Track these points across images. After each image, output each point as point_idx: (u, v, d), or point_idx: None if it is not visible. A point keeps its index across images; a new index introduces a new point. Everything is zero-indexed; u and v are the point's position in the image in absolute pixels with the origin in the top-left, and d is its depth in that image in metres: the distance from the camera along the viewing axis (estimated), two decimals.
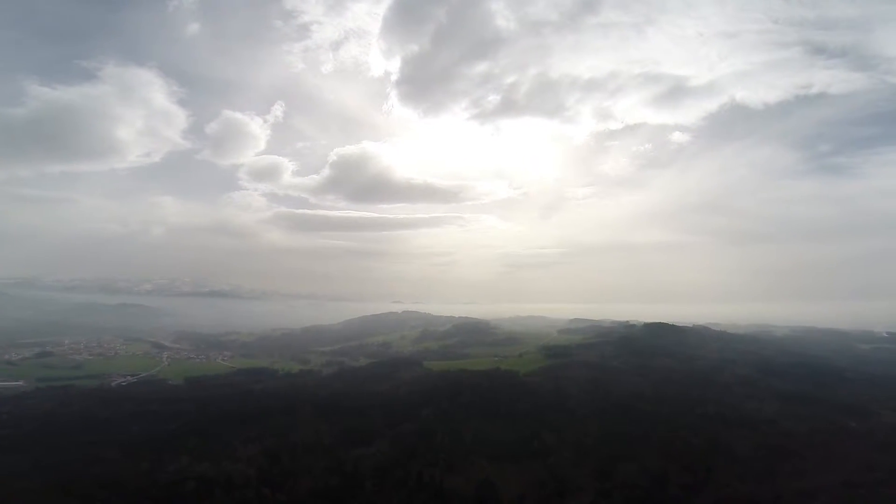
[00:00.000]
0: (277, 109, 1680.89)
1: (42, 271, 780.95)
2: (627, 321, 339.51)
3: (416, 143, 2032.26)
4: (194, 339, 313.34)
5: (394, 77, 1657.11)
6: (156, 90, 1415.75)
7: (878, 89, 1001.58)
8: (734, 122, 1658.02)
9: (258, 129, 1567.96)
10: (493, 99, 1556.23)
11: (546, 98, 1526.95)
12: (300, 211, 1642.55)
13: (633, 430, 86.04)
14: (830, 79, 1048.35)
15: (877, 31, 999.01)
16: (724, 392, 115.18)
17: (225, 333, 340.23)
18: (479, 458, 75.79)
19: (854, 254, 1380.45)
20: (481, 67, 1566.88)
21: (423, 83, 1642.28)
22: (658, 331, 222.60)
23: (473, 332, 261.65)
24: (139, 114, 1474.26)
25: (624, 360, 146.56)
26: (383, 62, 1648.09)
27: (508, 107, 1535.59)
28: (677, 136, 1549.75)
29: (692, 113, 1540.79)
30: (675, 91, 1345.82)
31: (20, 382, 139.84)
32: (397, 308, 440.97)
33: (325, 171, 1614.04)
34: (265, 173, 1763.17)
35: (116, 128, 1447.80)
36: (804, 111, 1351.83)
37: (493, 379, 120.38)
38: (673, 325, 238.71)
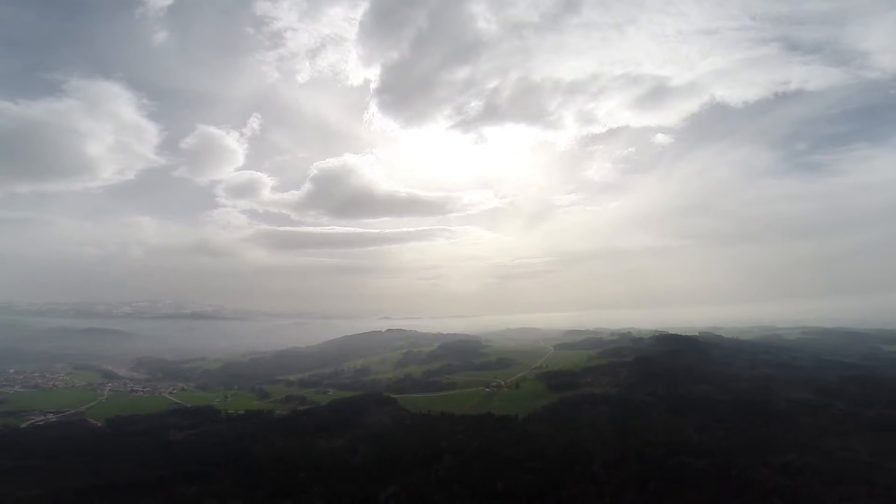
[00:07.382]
0: (254, 122, 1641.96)
1: (17, 295, 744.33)
2: (629, 332, 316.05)
3: (399, 154, 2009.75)
4: (154, 366, 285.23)
5: (373, 85, 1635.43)
6: (124, 103, 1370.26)
7: (852, 85, 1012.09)
8: (714, 122, 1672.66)
9: (235, 144, 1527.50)
10: (476, 105, 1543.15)
11: (528, 103, 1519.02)
12: (282, 228, 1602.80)
13: (696, 501, 57.43)
14: (807, 74, 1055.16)
15: (849, 25, 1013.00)
16: (791, 427, 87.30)
17: (190, 360, 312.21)
18: None
19: (837, 250, 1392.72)
20: (463, 73, 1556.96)
21: (404, 91, 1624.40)
22: (671, 345, 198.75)
23: (461, 353, 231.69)
24: (108, 129, 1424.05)
25: (648, 388, 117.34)
26: (362, 70, 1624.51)
27: (491, 113, 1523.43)
28: (660, 139, 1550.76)
29: (673, 114, 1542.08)
30: (657, 92, 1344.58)
31: None
32: (383, 326, 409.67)
33: (306, 186, 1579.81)
34: (244, 189, 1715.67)
35: (86, 144, 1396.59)
36: (781, 109, 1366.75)
37: (484, 431, 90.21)
38: (686, 337, 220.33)
